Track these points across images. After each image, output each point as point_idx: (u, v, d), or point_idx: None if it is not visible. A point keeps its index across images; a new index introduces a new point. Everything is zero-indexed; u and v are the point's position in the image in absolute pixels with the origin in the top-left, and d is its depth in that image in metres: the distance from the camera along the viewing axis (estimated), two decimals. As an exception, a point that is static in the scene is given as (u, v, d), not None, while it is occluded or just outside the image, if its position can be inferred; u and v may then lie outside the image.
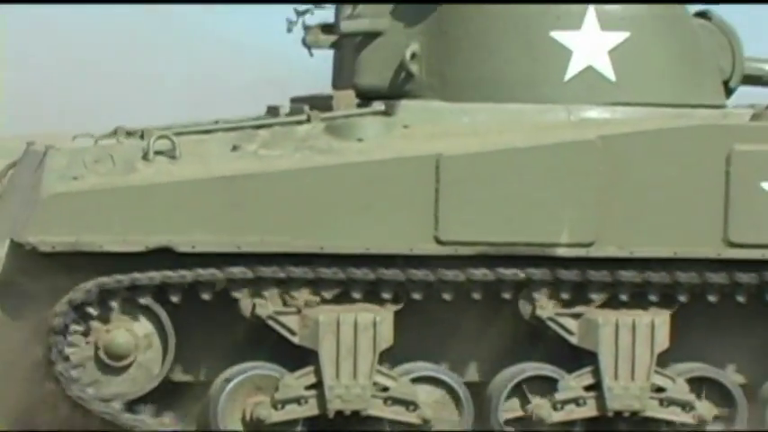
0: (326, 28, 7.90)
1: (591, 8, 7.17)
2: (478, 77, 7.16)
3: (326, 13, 8.14)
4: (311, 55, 8.05)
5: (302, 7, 8.03)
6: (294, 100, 7.86)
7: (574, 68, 7.26)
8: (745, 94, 7.82)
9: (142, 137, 6.82)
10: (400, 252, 6.55)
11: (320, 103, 7.25)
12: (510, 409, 6.78)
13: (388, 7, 7.36)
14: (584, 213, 6.71)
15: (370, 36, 7.38)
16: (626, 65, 7.14)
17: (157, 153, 6.60)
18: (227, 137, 6.88)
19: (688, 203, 6.74)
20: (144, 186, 6.58)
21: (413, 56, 7.15)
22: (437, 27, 7.27)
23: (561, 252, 6.59)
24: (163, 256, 6.47)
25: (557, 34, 7.22)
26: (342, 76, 7.84)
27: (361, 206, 6.59)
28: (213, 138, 6.87)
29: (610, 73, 7.16)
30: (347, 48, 7.71)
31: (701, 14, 7.49)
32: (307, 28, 7.95)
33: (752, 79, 7.77)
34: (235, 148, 6.69)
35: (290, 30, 8.09)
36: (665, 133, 6.79)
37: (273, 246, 6.48)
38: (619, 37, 7.12)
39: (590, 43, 7.28)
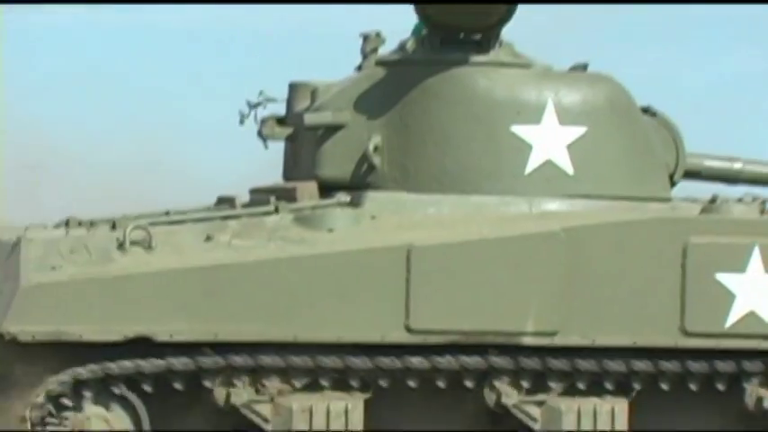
0: (281, 120, 8.07)
1: (550, 103, 7.40)
2: (441, 170, 7.29)
3: (277, 106, 8.28)
4: (266, 147, 8.17)
5: (255, 100, 8.21)
6: (254, 191, 7.93)
7: (534, 162, 7.43)
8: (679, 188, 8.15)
9: (114, 227, 6.84)
10: (372, 341, 6.60)
11: (283, 194, 7.34)
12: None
13: (351, 101, 7.51)
14: (548, 303, 6.85)
15: (332, 129, 7.49)
16: (583, 159, 7.33)
17: (133, 243, 6.61)
18: (197, 227, 6.93)
19: (646, 294, 6.92)
20: (122, 276, 6.59)
21: (375, 148, 7.29)
22: (399, 120, 7.41)
23: (527, 341, 6.71)
24: (140, 345, 6.45)
25: (517, 128, 7.39)
26: (298, 168, 7.94)
27: (334, 295, 6.65)
28: (184, 228, 6.92)
29: (568, 166, 7.34)
30: (304, 140, 7.83)
31: (646, 110, 7.80)
32: (262, 121, 8.11)
33: (691, 174, 8.10)
34: (208, 238, 6.72)
35: (242, 122, 8.22)
36: (624, 226, 7.01)
37: (249, 335, 6.52)
38: (576, 132, 7.33)
39: (549, 138, 7.48)
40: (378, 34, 8.07)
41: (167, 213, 8.00)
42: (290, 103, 8.22)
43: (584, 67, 7.64)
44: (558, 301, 6.90)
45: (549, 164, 7.33)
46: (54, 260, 6.60)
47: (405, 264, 6.67)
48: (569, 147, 7.32)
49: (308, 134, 7.76)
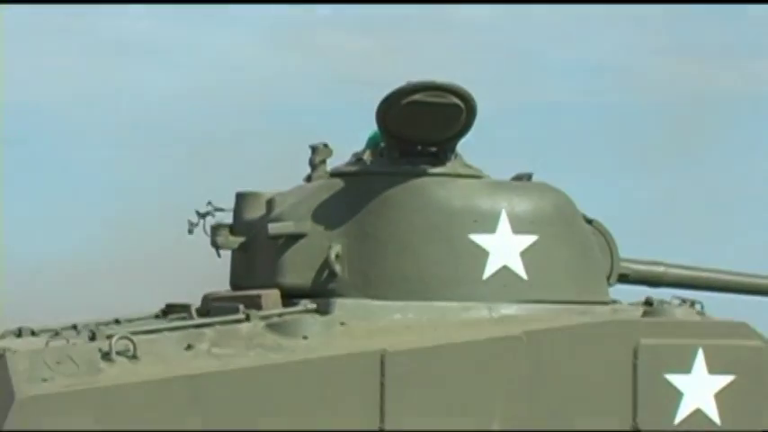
0: (233, 229, 8.22)
1: (503, 213, 7.70)
2: (402, 277, 7.49)
3: (224, 214, 8.42)
4: (219, 255, 8.28)
5: (204, 210, 8.31)
6: (211, 298, 8.00)
7: (491, 268, 7.69)
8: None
9: (93, 338, 6.86)
10: None
11: (247, 302, 7.43)
12: None
13: (310, 210, 7.69)
14: (512, 402, 7.09)
15: (293, 238, 7.66)
16: (535, 265, 7.64)
17: (118, 353, 6.63)
18: (173, 335, 6.97)
19: (601, 392, 7.25)
20: (112, 387, 6.59)
21: (336, 256, 7.44)
22: (359, 229, 7.59)
23: None
24: None
25: (474, 237, 7.64)
26: (252, 276, 8.08)
27: (315, 400, 6.75)
28: (161, 337, 6.95)
29: (522, 272, 7.64)
30: (259, 249, 7.98)
31: (584, 218, 8.20)
32: (213, 229, 8.23)
33: (621, 277, 8.53)
34: (189, 347, 6.77)
35: (191, 231, 8.30)
36: (580, 329, 7.31)
37: None
38: (529, 239, 7.63)
39: (504, 245, 7.76)
40: (326, 145, 8.25)
41: (117, 321, 8.01)
42: (237, 212, 8.35)
43: (528, 176, 7.98)
44: (521, 401, 7.12)
45: (504, 270, 7.59)
46: (43, 372, 6.59)
47: (379, 368, 6.84)
48: (522, 254, 7.60)
49: (263, 243, 7.89)
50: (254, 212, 8.25)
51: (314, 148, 8.28)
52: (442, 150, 7.88)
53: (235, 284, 8.39)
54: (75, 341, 7.02)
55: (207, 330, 7.10)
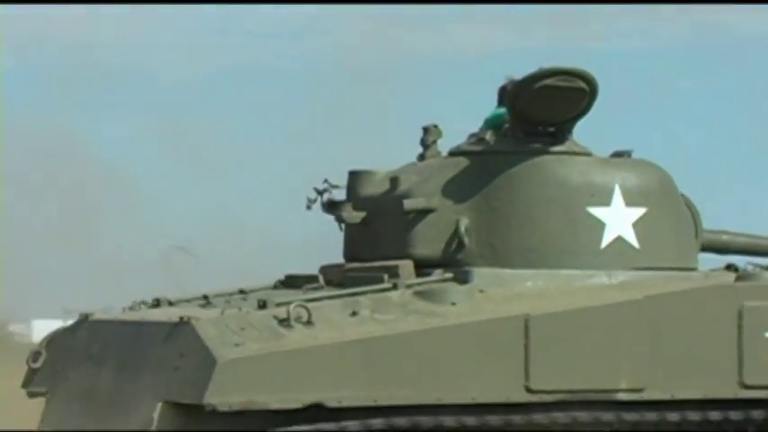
0: (356, 205, 8.77)
1: (617, 188, 8.32)
2: (527, 247, 8.06)
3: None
4: (341, 229, 8.89)
5: (322, 186, 8.85)
6: (329, 268, 8.73)
7: (608, 238, 8.28)
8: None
9: (264, 306, 7.39)
10: (499, 401, 7.32)
11: (384, 271, 8.05)
12: None
13: (438, 187, 8.28)
14: (635, 363, 7.71)
15: (423, 212, 8.21)
16: (645, 235, 8.26)
17: (296, 320, 7.17)
18: (334, 303, 7.53)
19: (711, 352, 7.88)
20: (295, 350, 7.08)
21: (465, 229, 8.03)
22: (486, 204, 8.15)
23: (621, 396, 7.59)
24: (314, 411, 7.01)
25: (592, 209, 8.24)
26: (373, 248, 8.62)
27: (467, 362, 7.29)
28: (324, 304, 7.50)
29: (634, 242, 8.27)
30: (385, 223, 8.54)
31: None
32: (337, 204, 8.79)
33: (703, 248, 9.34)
34: (354, 313, 7.31)
35: (309, 207, 8.84)
36: (692, 293, 8.01)
37: (402, 399, 7.12)
38: (639, 211, 8.26)
39: (618, 217, 8.35)
40: (436, 126, 8.78)
41: (242, 291, 8.55)
42: (351, 188, 8.87)
43: (629, 153, 8.60)
44: (642, 361, 7.72)
45: (619, 239, 8.20)
46: (233, 338, 7.09)
47: (523, 331, 7.39)
48: (634, 224, 8.21)
49: (389, 217, 8.43)
50: (371, 189, 8.75)
51: (426, 129, 8.79)
52: (560, 131, 8.44)
53: (352, 256, 8.87)
54: (247, 309, 7.55)
55: (361, 298, 7.58)
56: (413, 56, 35.07)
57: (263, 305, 7.47)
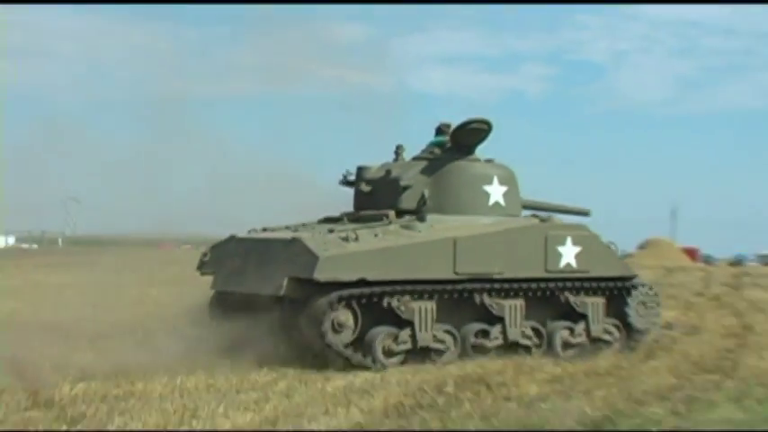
0: (366, 183, 15.94)
1: (495, 176, 15.68)
2: (454, 205, 15.19)
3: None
4: (355, 194, 16.13)
5: (345, 173, 16.23)
6: (348, 214, 15.46)
7: (491, 201, 15.69)
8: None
9: (332, 231, 13.72)
10: (441, 278, 14.07)
11: (381, 215, 14.72)
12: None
13: (416, 173, 15.44)
14: (502, 259, 14.62)
15: (405, 187, 15.23)
16: (506, 200, 15.78)
17: (350, 238, 13.34)
18: (365, 230, 13.71)
19: (532, 255, 15.16)
20: (353, 252, 13.07)
21: (426, 196, 15.04)
22: (436, 183, 15.27)
23: (496, 276, 14.54)
24: (361, 283, 13.13)
25: (484, 187, 15.79)
26: (374, 205, 15.33)
27: (427, 258, 13.55)
28: (359, 230, 13.68)
29: (503, 203, 15.77)
30: (381, 191, 15.43)
31: None
32: (351, 182, 16.02)
33: None
34: (375, 235, 13.59)
35: (342, 183, 16.29)
36: (526, 226, 15.35)
37: (399, 275, 13.48)
38: (504, 188, 15.91)
39: (495, 191, 15.70)
40: (401, 144, 16.32)
41: (304, 225, 15.40)
42: (359, 174, 16.06)
43: (492, 159, 16.21)
44: (505, 258, 14.68)
45: (496, 202, 15.66)
46: (323, 246, 12.84)
47: (453, 245, 13.77)
48: (503, 195, 15.66)
49: (383, 189, 15.33)
50: (372, 174, 15.56)
51: (398, 146, 16.43)
52: (471, 150, 15.50)
53: (359, 209, 15.44)
54: (320, 231, 13.74)
55: (376, 228, 13.89)
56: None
57: (331, 231, 13.64)
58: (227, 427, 9.37)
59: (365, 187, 15.68)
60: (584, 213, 17.64)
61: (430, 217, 14.79)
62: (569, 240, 15.48)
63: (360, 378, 12.47)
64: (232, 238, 15.10)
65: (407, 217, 14.77)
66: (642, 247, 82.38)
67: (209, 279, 15.14)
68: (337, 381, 12.18)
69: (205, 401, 10.49)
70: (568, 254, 15.55)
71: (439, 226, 14.58)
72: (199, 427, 9.31)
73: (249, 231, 15.15)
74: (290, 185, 20.35)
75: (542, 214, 16.37)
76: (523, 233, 15.27)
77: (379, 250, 13.52)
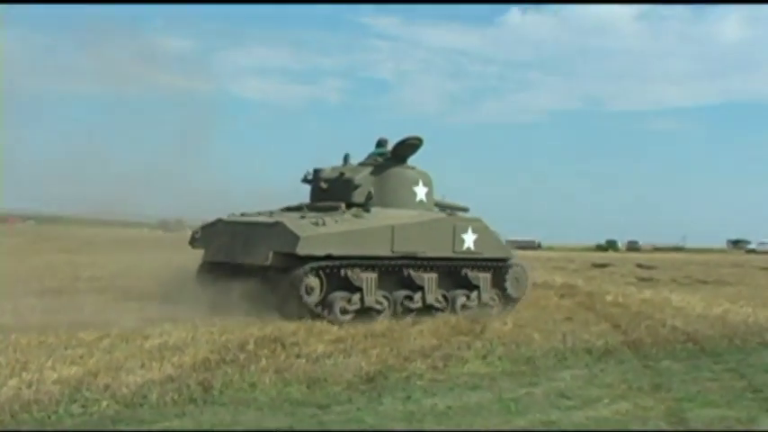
0: (323, 180, 19.55)
1: (420, 180, 19.86)
2: (386, 200, 19.25)
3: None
4: (312, 191, 19.78)
5: (305, 173, 19.59)
6: (305, 205, 18.95)
7: (417, 198, 19.83)
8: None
9: (304, 217, 17.38)
10: (383, 255, 17.95)
11: (335, 206, 18.58)
12: None
13: (364, 176, 19.30)
14: (422, 242, 18.69)
15: (356, 186, 19.12)
16: (427, 198, 20.10)
17: (319, 223, 17.18)
18: (326, 216, 17.45)
19: (444, 241, 19.20)
20: (323, 233, 16.49)
21: (371, 192, 19.20)
22: (379, 183, 19.27)
23: (419, 255, 18.53)
24: (328, 258, 16.88)
25: (413, 188, 19.88)
26: (327, 199, 18.94)
27: (374, 240, 17.45)
28: (323, 217, 17.43)
29: (425, 200, 20.10)
30: (334, 189, 19.14)
31: None
32: (310, 180, 19.52)
33: None
34: (336, 221, 17.41)
35: (303, 180, 19.70)
36: (439, 218, 19.55)
37: (355, 251, 17.18)
38: (426, 189, 20.20)
39: (420, 191, 19.82)
40: (348, 153, 19.92)
41: (271, 213, 18.72)
42: (315, 174, 19.49)
43: (414, 167, 20.62)
44: (419, 241, 18.51)
45: (420, 200, 19.85)
46: (301, 228, 16.22)
47: (391, 231, 17.62)
48: (425, 194, 19.89)
49: (335, 187, 18.89)
50: (327, 174, 19.10)
51: (347, 154, 20.08)
52: (406, 159, 19.50)
53: (314, 201, 19.00)
54: (295, 217, 17.18)
55: (335, 215, 17.51)
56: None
57: (303, 217, 17.11)
58: (54, 378, 10.10)
59: (323, 185, 19.37)
60: (464, 209, 21.76)
61: (374, 209, 18.61)
62: (470, 229, 19.79)
63: (173, 337, 13.38)
64: (219, 221, 18.61)
65: (355, 209, 18.46)
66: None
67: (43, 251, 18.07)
68: (155, 339, 13.07)
69: (35, 356, 11.31)
70: (469, 240, 19.64)
71: (381, 215, 18.35)
72: (28, 378, 9.99)
73: (229, 216, 18.55)
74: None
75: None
76: (439, 223, 19.22)
77: (340, 233, 17.08)
